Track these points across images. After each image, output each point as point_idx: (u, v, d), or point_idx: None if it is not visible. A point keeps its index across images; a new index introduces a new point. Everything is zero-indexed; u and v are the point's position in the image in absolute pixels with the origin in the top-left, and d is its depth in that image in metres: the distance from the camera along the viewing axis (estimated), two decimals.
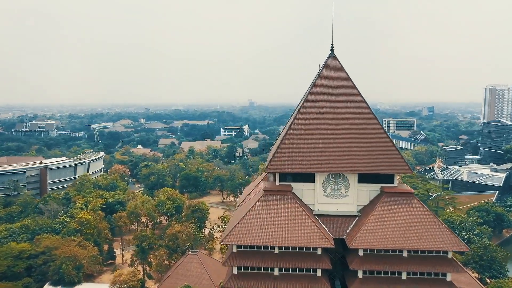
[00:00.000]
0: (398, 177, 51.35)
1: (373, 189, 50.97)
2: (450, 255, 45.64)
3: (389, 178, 50.59)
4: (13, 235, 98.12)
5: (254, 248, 47.14)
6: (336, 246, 47.74)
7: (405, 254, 45.91)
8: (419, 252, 45.78)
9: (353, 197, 51.04)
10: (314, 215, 50.53)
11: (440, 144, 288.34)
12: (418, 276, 45.77)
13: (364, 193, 51.04)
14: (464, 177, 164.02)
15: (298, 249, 46.89)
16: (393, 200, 48.64)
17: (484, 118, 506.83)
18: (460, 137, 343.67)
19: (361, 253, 46.26)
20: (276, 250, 46.95)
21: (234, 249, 47.46)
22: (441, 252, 45.57)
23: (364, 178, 50.68)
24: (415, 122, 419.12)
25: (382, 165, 49.81)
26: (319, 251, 46.68)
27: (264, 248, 47.05)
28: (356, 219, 49.95)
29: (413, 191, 49.84)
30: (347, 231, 48.88)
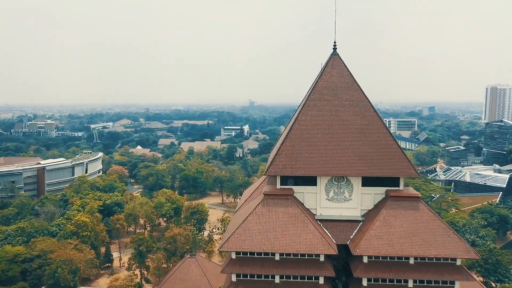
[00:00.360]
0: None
1: (378, 192, 48.92)
2: (459, 262, 43.67)
3: (394, 182, 48.54)
4: (9, 238, 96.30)
5: (254, 254, 45.18)
6: (339, 252, 45.76)
7: (411, 261, 43.93)
8: (426, 259, 43.80)
9: (357, 201, 49.03)
10: (316, 220, 48.56)
11: (442, 145, 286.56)
12: (425, 284, 43.79)
13: (368, 197, 49.01)
14: (467, 178, 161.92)
15: (300, 256, 44.92)
16: (398, 205, 46.63)
17: (485, 118, 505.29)
18: (461, 137, 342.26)
19: (365, 260, 44.32)
20: (277, 257, 45.01)
21: (233, 256, 45.51)
22: (449, 259, 43.61)
23: (368, 182, 48.61)
24: (416, 122, 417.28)
25: (387, 168, 47.78)
26: (322, 258, 44.73)
27: (264, 255, 45.09)
28: (360, 224, 47.95)
29: (419, 195, 47.76)
30: (351, 236, 46.87)
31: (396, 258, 44.09)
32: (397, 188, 48.49)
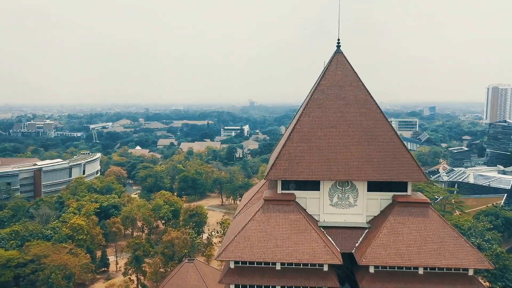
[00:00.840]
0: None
1: (384, 198, 46.32)
2: (471, 272, 41.13)
3: (402, 186, 45.93)
4: (2, 241, 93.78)
5: (254, 264, 42.63)
6: (343, 261, 43.16)
7: (421, 271, 41.38)
8: (436, 269, 41.23)
9: (362, 207, 46.43)
10: (319, 226, 45.99)
11: (443, 145, 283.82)
12: None
13: (374, 202, 46.41)
14: (471, 180, 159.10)
15: (302, 265, 42.36)
16: (406, 211, 44.05)
17: (486, 118, 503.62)
18: (463, 137, 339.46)
19: (372, 270, 41.75)
20: (278, 267, 42.45)
21: (232, 265, 43.01)
22: (461, 269, 41.04)
23: (374, 186, 45.99)
24: (417, 122, 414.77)
25: (394, 172, 45.17)
26: (326, 268, 42.16)
27: (264, 264, 42.55)
28: (366, 231, 45.36)
29: (429, 200, 45.12)
30: (356, 244, 44.27)
31: (404, 268, 41.55)
32: (404, 193, 45.91)
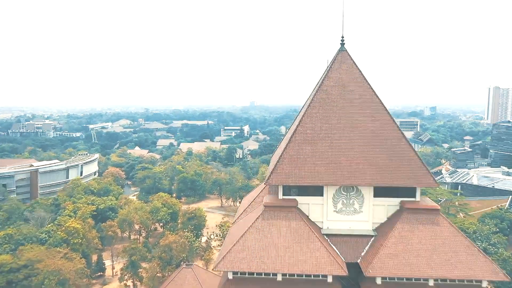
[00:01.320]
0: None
1: (391, 204, 43.81)
2: (484, 284, 38.68)
3: (410, 192, 43.46)
4: None
5: (253, 274, 40.15)
6: (348, 271, 40.68)
7: (431, 282, 38.90)
8: (448, 280, 38.76)
9: (368, 213, 43.93)
10: (323, 234, 43.49)
11: (445, 145, 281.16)
12: None
13: (381, 209, 43.90)
14: (474, 181, 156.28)
15: (305, 276, 39.87)
16: (415, 218, 41.58)
17: (487, 119, 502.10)
18: (464, 137, 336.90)
19: (379, 281, 39.29)
20: (279, 278, 39.99)
21: (230, 276, 40.52)
22: (474, 280, 38.57)
23: (381, 192, 43.48)
24: (419, 122, 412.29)
25: (402, 177, 42.67)
26: (330, 279, 39.69)
27: (264, 275, 40.07)
28: (372, 239, 42.87)
29: (438, 207, 42.67)
30: (362, 254, 41.79)
31: (413, 279, 39.05)
32: (413, 199, 43.41)
